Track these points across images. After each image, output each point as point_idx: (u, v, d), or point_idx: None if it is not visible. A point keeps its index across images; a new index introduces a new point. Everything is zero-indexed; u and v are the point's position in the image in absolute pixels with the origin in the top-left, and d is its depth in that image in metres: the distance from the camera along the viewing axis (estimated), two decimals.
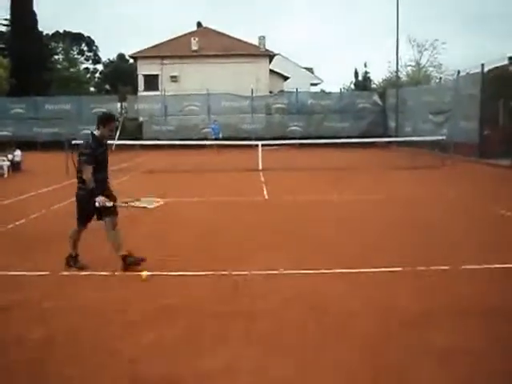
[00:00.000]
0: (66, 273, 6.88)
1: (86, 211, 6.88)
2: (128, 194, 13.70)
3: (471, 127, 24.19)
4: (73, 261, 7.10)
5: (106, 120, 6.97)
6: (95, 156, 6.75)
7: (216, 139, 31.80)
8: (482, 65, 23.39)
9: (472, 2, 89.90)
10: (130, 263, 6.86)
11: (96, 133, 6.91)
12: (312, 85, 59.84)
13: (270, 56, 45.07)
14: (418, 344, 4.61)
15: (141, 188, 14.89)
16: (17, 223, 10.21)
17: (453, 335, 4.77)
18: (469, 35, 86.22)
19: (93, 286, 6.40)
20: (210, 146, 30.69)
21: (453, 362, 4.28)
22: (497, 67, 23.67)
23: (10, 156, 21.06)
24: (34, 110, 37.79)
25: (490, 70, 23.74)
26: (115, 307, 5.67)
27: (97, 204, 6.63)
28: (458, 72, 27.05)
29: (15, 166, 20.95)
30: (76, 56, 62.61)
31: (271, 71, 46.53)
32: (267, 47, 44.40)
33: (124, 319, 5.31)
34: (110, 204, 6.73)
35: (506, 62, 23.10)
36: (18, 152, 21.62)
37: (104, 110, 37.30)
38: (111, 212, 6.88)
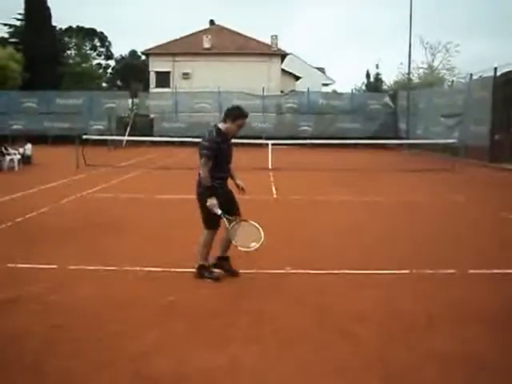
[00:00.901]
0: (73, 267, 6.88)
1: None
2: (143, 189, 13.76)
3: (482, 131, 24.07)
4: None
5: (236, 115, 6.16)
6: (216, 151, 6.12)
7: None
8: (495, 68, 23.25)
9: (486, 4, 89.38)
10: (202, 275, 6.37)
11: (221, 126, 6.21)
12: (324, 85, 59.84)
13: (282, 55, 45.09)
14: (421, 348, 4.58)
15: (155, 184, 14.99)
16: (26, 216, 10.24)
17: (456, 340, 4.74)
18: (482, 38, 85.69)
19: (99, 282, 6.40)
20: None
21: (454, 367, 4.25)
22: (510, 71, 23.48)
23: (20, 150, 21.18)
24: (46, 105, 38.01)
25: (502, 74, 23.58)
26: (121, 303, 5.67)
27: (208, 205, 6.05)
28: (471, 75, 26.91)
29: (25, 160, 21.05)
30: (88, 51, 62.85)
31: (283, 71, 46.54)
32: (279, 46, 44.43)
33: (128, 315, 5.32)
34: (218, 212, 6.09)
35: None
36: (28, 145, 21.77)
37: (114, 105, 37.70)
38: (214, 224, 6.26)
